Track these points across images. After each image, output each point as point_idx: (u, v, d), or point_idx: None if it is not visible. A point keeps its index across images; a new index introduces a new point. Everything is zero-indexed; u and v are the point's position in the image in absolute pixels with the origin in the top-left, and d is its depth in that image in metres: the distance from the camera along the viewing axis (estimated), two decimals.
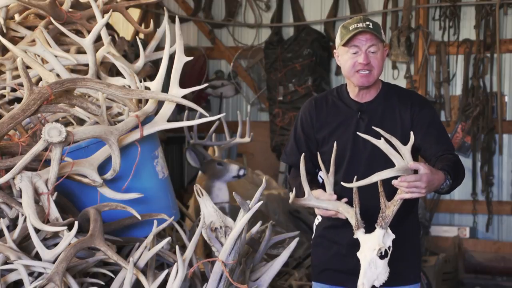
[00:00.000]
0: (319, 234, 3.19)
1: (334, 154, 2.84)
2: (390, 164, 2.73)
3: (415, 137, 2.85)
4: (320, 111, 3.12)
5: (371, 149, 2.66)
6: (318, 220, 3.20)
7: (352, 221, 2.75)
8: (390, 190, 2.70)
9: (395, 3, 7.60)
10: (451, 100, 7.47)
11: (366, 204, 2.78)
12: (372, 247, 2.65)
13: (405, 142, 2.91)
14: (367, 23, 2.96)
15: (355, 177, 2.75)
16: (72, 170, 2.81)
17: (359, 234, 2.72)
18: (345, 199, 2.84)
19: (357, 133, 2.82)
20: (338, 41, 3.02)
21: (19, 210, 2.77)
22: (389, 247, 2.67)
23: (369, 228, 2.73)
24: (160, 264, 3.03)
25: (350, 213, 2.78)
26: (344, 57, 3.00)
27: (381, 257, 2.65)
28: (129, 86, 3.19)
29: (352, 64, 2.97)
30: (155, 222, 2.85)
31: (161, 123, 2.99)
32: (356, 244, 3.07)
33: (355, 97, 3.08)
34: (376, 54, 2.97)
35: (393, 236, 2.69)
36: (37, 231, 2.62)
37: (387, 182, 2.70)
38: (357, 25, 2.95)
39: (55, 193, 2.76)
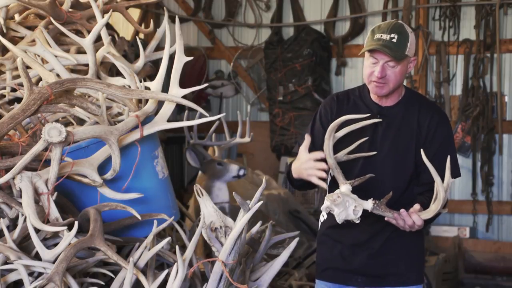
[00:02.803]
0: (323, 232, 3.19)
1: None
2: (400, 168, 2.83)
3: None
4: (341, 108, 3.09)
5: (388, 152, 2.65)
6: (323, 217, 3.18)
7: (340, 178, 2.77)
8: (397, 199, 2.74)
9: (395, 3, 7.60)
10: (451, 100, 7.47)
11: (367, 185, 2.80)
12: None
13: (417, 152, 2.90)
14: (392, 35, 2.88)
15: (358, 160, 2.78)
16: (72, 170, 2.80)
17: (344, 187, 2.74)
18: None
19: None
20: (365, 42, 3.00)
21: (19, 210, 2.76)
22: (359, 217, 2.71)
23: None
24: (160, 264, 3.02)
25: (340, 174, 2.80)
26: (365, 62, 2.98)
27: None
28: (129, 86, 3.19)
29: (369, 73, 2.95)
30: (155, 222, 2.85)
31: (161, 123, 2.98)
32: (359, 244, 3.07)
33: (376, 100, 3.07)
34: (394, 69, 2.91)
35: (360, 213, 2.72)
36: (37, 231, 2.62)
37: (398, 189, 2.71)
38: (381, 36, 2.89)
39: (55, 193, 2.76)
